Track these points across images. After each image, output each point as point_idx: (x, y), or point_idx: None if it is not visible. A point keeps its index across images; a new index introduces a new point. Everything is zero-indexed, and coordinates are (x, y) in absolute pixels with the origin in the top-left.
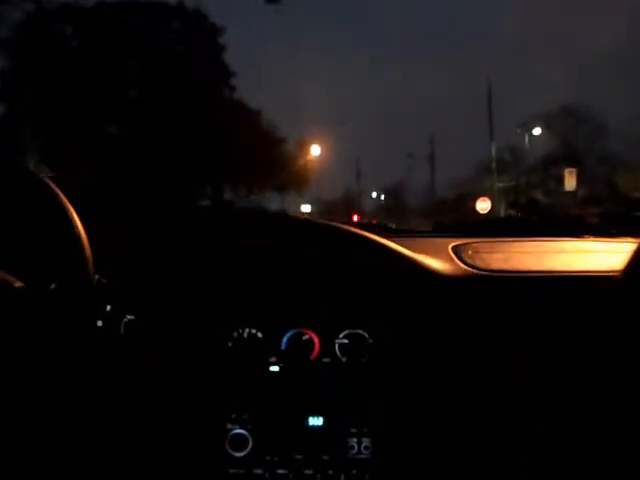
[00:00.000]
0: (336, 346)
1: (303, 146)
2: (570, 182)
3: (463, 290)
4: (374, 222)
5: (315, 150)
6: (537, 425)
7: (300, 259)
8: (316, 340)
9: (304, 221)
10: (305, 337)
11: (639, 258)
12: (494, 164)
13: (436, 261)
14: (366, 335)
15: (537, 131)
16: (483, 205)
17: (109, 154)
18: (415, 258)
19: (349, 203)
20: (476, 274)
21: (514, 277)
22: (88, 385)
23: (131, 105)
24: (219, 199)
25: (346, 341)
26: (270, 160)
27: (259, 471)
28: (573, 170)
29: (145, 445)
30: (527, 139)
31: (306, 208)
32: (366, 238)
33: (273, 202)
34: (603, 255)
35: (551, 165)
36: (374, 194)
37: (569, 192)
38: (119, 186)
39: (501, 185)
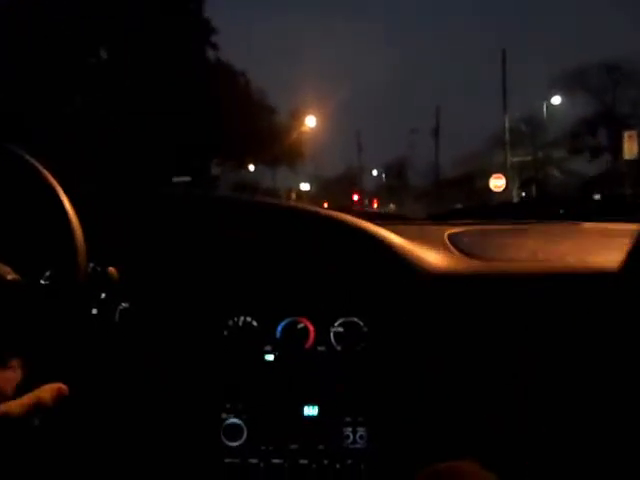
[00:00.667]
0: (331, 334)
1: (297, 117)
2: (631, 148)
3: (456, 282)
4: (375, 203)
5: (310, 121)
6: (535, 416)
7: (295, 248)
8: (311, 328)
9: (299, 210)
10: (300, 325)
11: (638, 253)
12: (507, 136)
13: (431, 251)
14: (361, 323)
15: (557, 100)
16: (497, 182)
17: (80, 125)
18: (409, 248)
19: (349, 181)
20: (470, 266)
21: (507, 271)
22: (82, 374)
23: (100, 71)
24: (206, 175)
25: (341, 329)
26: (260, 131)
27: (254, 461)
28: (633, 133)
29: (140, 434)
30: (545, 108)
31: (305, 186)
32: (361, 227)
33: (266, 178)
34: (605, 241)
35: (583, 133)
36: (375, 172)
37: (629, 161)
38: (111, 173)
39: (515, 160)
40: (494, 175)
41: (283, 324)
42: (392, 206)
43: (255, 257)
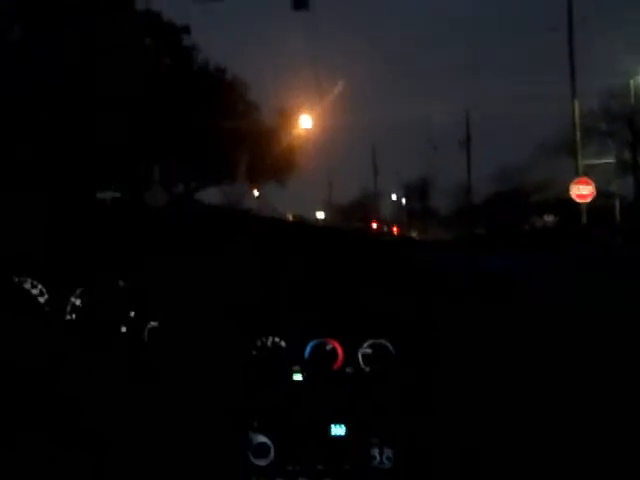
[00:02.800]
0: (359, 356)
1: (287, 117)
2: None
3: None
4: (395, 231)
5: (305, 122)
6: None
7: (324, 269)
8: (339, 350)
9: (331, 229)
10: (328, 347)
11: None
12: (578, 133)
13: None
14: (389, 346)
15: None
16: (583, 190)
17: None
18: (436, 271)
19: (365, 207)
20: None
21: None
22: (111, 391)
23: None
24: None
25: (369, 351)
26: (235, 133)
27: None
28: None
29: (168, 453)
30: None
31: (320, 215)
32: (391, 248)
33: (273, 203)
34: None
35: None
36: (394, 196)
37: None
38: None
39: (587, 163)
40: (577, 180)
41: (312, 345)
42: (414, 234)
43: (284, 278)
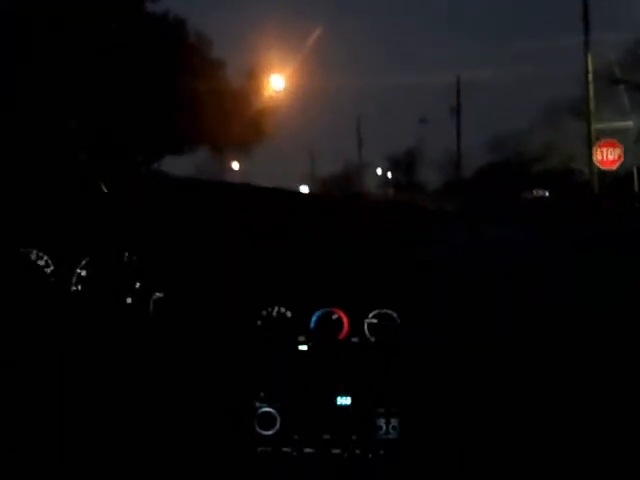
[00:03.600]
0: (365, 326)
1: (256, 78)
2: None
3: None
4: None
5: (276, 83)
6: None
7: (330, 239)
8: (345, 320)
9: (337, 202)
10: (334, 316)
11: None
12: (590, 89)
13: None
14: (395, 315)
15: None
16: (610, 155)
17: None
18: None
19: (349, 181)
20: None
21: None
22: (118, 361)
23: None
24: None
25: (375, 321)
26: (196, 95)
27: (287, 449)
28: None
29: (174, 422)
30: None
31: (303, 189)
32: (397, 221)
33: (254, 178)
34: None
35: None
36: (379, 170)
37: None
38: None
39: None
40: (602, 143)
41: (317, 315)
42: None
43: (290, 248)
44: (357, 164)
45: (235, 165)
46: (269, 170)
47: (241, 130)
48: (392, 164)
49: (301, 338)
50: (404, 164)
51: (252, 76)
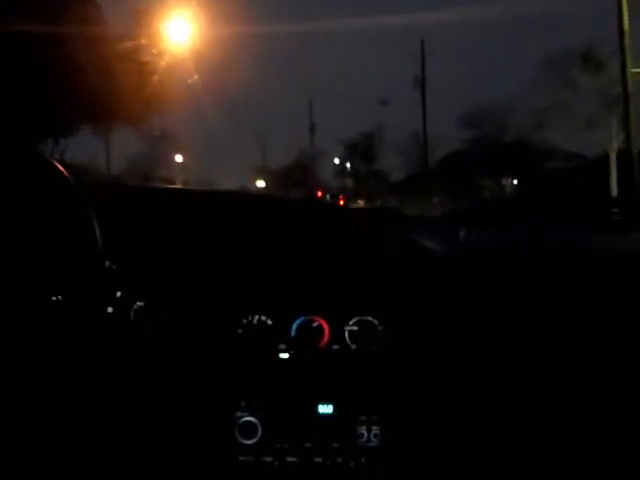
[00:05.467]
0: (346, 333)
1: (144, 22)
2: None
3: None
4: (341, 200)
5: (176, 32)
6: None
7: (310, 246)
8: (326, 327)
9: (314, 203)
10: (315, 324)
11: None
12: (625, 17)
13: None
14: (376, 322)
15: None
16: None
17: None
18: (425, 245)
19: (303, 172)
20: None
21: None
22: (98, 371)
23: None
24: None
25: (356, 328)
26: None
27: (269, 459)
28: None
29: (155, 432)
30: None
31: (261, 184)
32: (377, 225)
33: (202, 173)
34: None
35: None
36: (337, 160)
37: None
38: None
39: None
40: None
41: (298, 322)
42: (361, 202)
43: (269, 256)
44: (310, 153)
45: (178, 157)
46: (214, 162)
47: (106, 91)
48: (349, 151)
49: (282, 346)
50: (362, 150)
51: (138, 21)
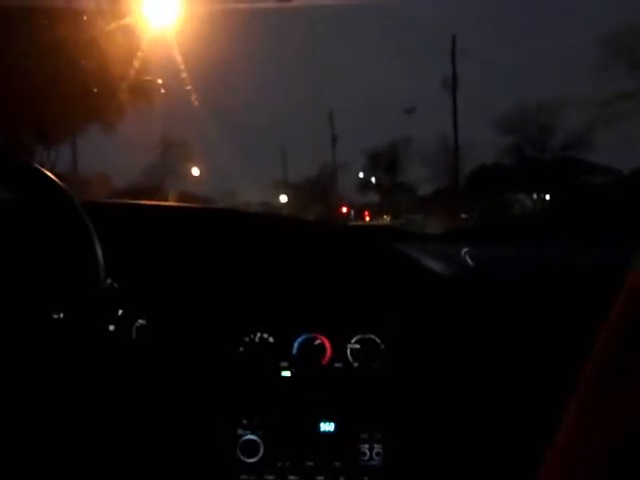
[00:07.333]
0: (348, 351)
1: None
2: None
3: (474, 296)
4: (367, 215)
5: (160, 15)
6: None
7: (311, 263)
8: (328, 345)
9: (314, 224)
10: (317, 342)
11: None
12: None
13: (447, 267)
14: (378, 340)
15: None
16: None
17: None
18: (426, 264)
19: (325, 188)
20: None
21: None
22: (99, 390)
23: None
24: None
25: (358, 346)
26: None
27: (270, 477)
28: None
29: (156, 451)
30: None
31: (283, 199)
32: (379, 243)
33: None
34: None
35: None
36: (361, 174)
37: None
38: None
39: None
40: None
41: (300, 340)
42: (386, 218)
43: (272, 273)
44: (332, 165)
45: (195, 171)
46: (234, 175)
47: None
48: (372, 161)
49: (283, 364)
50: (385, 161)
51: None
